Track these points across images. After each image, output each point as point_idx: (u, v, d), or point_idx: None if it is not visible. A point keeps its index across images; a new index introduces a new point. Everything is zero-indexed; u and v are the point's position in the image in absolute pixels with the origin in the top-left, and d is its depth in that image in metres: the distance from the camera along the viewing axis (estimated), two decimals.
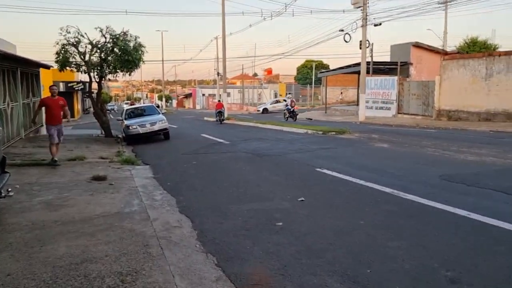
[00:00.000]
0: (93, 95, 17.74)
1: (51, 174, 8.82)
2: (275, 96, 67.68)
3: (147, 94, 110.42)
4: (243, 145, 13.56)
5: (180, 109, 74.68)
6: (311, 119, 28.22)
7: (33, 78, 17.59)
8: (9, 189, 5.74)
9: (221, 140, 15.18)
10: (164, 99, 72.38)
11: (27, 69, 15.87)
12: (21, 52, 16.20)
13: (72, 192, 7.10)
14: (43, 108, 9.42)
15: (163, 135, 16.82)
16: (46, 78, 30.37)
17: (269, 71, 70.36)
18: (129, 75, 17.03)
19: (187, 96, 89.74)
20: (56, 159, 9.93)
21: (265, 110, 44.18)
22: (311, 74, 67.30)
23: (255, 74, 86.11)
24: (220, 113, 26.87)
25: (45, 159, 10.52)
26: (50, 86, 9.67)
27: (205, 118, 33.69)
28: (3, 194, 5.56)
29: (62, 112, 9.31)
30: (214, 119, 27.87)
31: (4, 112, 12.44)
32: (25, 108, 15.38)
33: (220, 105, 28.00)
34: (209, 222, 5.36)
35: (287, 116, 26.73)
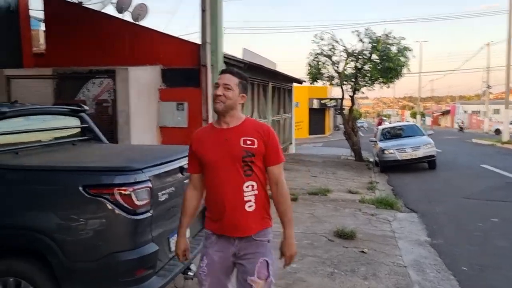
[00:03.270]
0: (344, 111, 15.56)
1: None
2: None
3: (397, 111, 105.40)
4: None
5: (435, 127, 67.03)
6: None
7: (285, 93, 16.72)
8: None
9: None
10: (418, 116, 66.20)
11: (279, 84, 14.92)
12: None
13: (304, 264, 4.47)
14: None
15: (427, 163, 12.95)
16: (301, 95, 30.83)
17: None
18: (388, 86, 14.01)
19: (444, 113, 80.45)
20: None
21: None
22: None
23: None
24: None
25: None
26: None
27: (474, 140, 27.34)
28: (191, 272, 3.35)
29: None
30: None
31: None
32: (273, 125, 14.38)
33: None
34: None
35: None
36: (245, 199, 2.23)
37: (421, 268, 4.47)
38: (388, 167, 12.87)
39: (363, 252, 4.89)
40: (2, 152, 2.86)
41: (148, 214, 2.72)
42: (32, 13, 9.22)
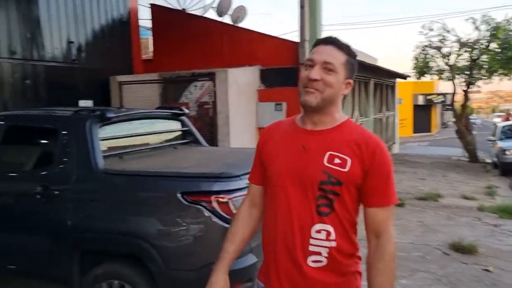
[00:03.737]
0: (456, 108, 14.12)
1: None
2: None
3: None
4: None
5: None
6: None
7: (388, 90, 15.76)
8: None
9: None
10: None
11: (381, 80, 14.09)
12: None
13: (415, 281, 4.00)
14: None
15: None
16: (404, 91, 28.99)
17: None
18: (509, 78, 12.40)
19: None
20: None
21: None
22: None
23: None
24: None
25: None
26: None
27: None
28: None
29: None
30: None
31: None
32: (375, 123, 13.63)
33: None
34: None
35: None
36: (311, 249, 1.39)
37: None
38: (511, 169, 11.34)
39: (487, 270, 4.25)
40: (108, 156, 2.94)
41: None
42: (141, 22, 9.84)
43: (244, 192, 2.54)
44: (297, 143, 1.44)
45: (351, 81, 1.47)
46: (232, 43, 8.75)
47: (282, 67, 8.38)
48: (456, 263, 4.48)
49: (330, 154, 1.38)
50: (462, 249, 4.80)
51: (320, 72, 1.39)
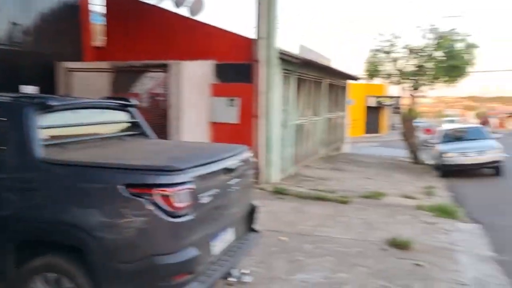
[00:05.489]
0: (402, 111, 14.77)
1: (333, 219, 6.26)
2: None
3: (459, 112, 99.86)
4: None
5: (501, 129, 62.64)
6: None
7: (339, 90, 16.19)
8: (245, 271, 3.32)
9: None
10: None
11: (333, 81, 14.45)
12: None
13: (353, 274, 4.19)
14: None
15: (493, 169, 11.98)
16: (357, 92, 29.83)
17: None
18: (452, 86, 13.14)
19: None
20: None
21: None
22: None
23: None
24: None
25: (333, 191, 8.23)
26: None
27: None
28: (232, 278, 3.21)
29: None
30: None
31: (302, 127, 11.04)
32: (327, 122, 13.97)
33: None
34: None
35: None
36: None
37: None
38: (449, 171, 12.05)
39: (418, 265, 4.52)
40: (49, 145, 2.85)
41: (189, 217, 2.59)
42: (94, 7, 9.51)
43: (189, 186, 2.56)
44: None
45: None
46: (187, 35, 8.66)
47: (237, 63, 8.41)
48: (392, 258, 4.73)
49: None
50: (398, 245, 5.07)
51: None
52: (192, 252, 2.60)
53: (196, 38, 8.57)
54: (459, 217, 6.93)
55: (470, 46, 12.03)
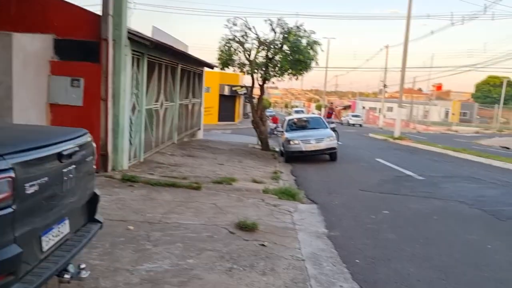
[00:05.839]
0: (254, 100, 15.46)
1: (184, 205, 6.24)
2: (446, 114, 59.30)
3: (304, 103, 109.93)
4: (450, 187, 9.28)
5: (338, 121, 71.12)
6: (508, 148, 21.69)
7: (195, 77, 16.22)
8: (82, 265, 3.04)
9: (409, 173, 11.10)
10: (323, 109, 69.95)
11: (189, 67, 14.37)
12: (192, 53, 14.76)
13: (201, 259, 4.21)
14: None
15: (329, 155, 13.51)
16: (212, 80, 30.40)
17: (438, 87, 62.31)
18: (296, 78, 14.26)
19: (346, 107, 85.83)
20: None
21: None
22: (495, 92, 57.14)
23: (420, 89, 79.16)
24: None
25: (186, 177, 8.20)
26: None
27: (371, 135, 29.43)
28: (68, 275, 2.90)
29: None
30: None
31: (155, 113, 10.72)
32: (181, 109, 13.86)
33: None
34: None
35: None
36: None
37: (318, 262, 4.49)
38: (293, 157, 13.16)
39: (263, 245, 4.78)
40: None
41: (9, 210, 2.22)
42: None
43: (7, 174, 2.20)
44: None
45: None
46: (21, 3, 7.56)
47: (82, 40, 7.70)
48: (239, 240, 4.91)
49: None
50: (245, 227, 5.30)
51: None
52: (13, 249, 2.25)
53: (32, 8, 7.54)
54: (299, 199, 7.60)
55: (314, 43, 13.16)
